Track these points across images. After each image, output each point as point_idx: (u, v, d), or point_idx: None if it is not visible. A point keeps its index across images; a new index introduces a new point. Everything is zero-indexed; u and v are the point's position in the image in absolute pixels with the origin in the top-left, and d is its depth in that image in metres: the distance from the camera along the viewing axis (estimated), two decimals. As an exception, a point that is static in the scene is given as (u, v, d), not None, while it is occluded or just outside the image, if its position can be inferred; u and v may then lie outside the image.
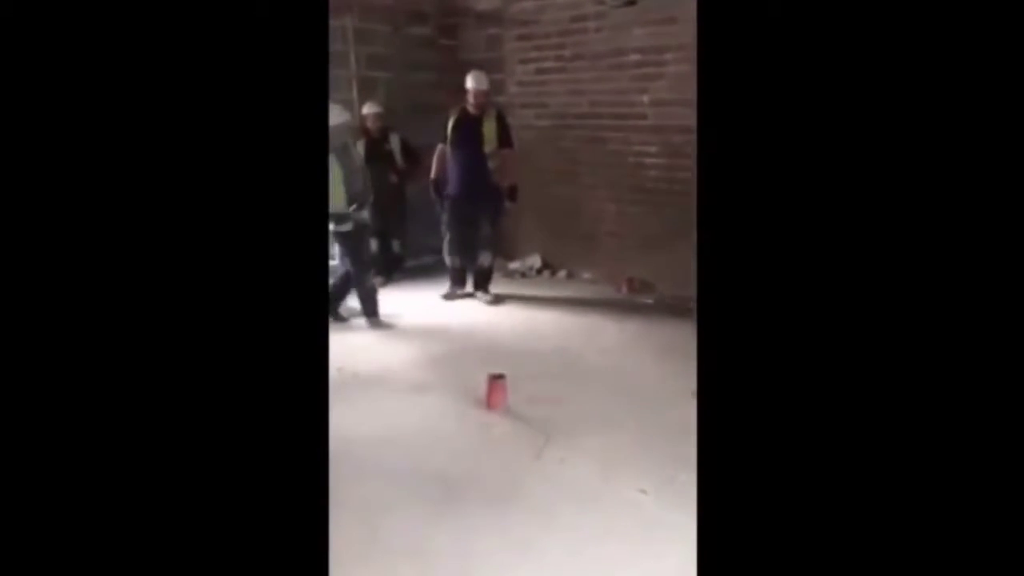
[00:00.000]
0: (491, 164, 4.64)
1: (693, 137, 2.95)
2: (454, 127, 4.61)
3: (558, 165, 5.44)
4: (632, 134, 4.97)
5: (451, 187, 4.73)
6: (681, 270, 4.15)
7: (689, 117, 4.13)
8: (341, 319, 4.48)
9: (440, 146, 4.71)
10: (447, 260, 4.97)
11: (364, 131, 4.93)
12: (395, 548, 2.20)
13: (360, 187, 4.20)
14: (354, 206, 4.16)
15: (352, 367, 3.72)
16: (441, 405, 3.28)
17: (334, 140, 4.03)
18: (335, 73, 4.97)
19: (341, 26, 5.12)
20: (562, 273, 5.67)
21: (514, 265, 5.76)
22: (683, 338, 3.88)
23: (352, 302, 4.66)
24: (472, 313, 4.74)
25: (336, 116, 4.07)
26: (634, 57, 4.82)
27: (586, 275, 5.53)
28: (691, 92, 3.47)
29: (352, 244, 4.24)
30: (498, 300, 4.91)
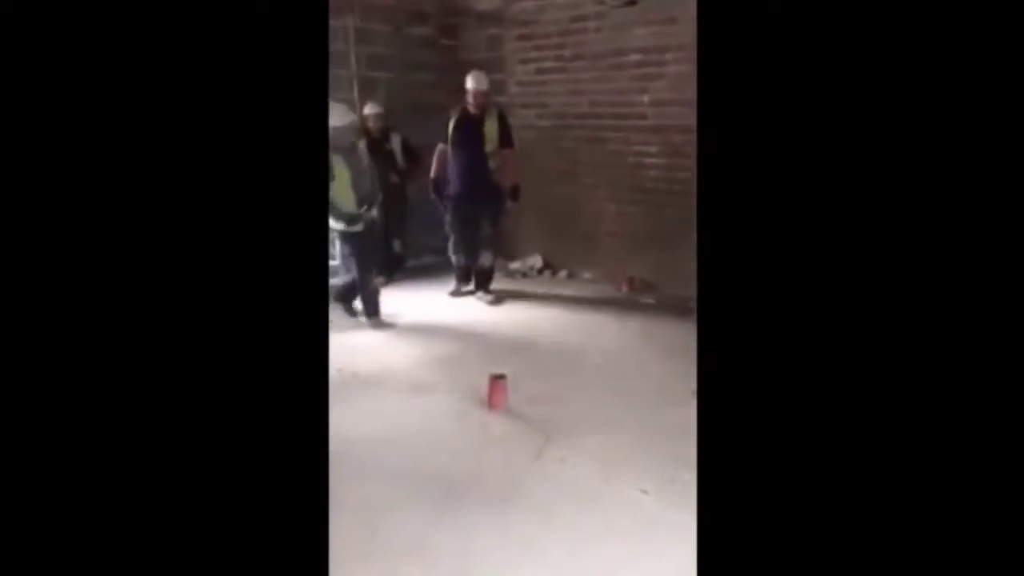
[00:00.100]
0: (492, 164, 4.64)
1: (693, 137, 2.95)
2: (455, 127, 4.61)
3: (558, 165, 5.44)
4: (632, 134, 4.97)
5: (453, 187, 4.74)
6: (682, 270, 4.15)
7: (689, 117, 4.13)
8: (353, 314, 4.48)
9: (440, 146, 4.72)
10: (452, 259, 5.00)
11: (365, 131, 4.94)
12: (396, 548, 2.20)
13: (369, 187, 4.20)
14: (365, 207, 4.17)
15: (352, 367, 3.72)
16: (442, 405, 3.28)
17: (342, 140, 4.03)
18: (336, 73, 4.97)
19: (342, 26, 5.12)
20: (563, 273, 5.67)
21: (515, 265, 5.76)
22: (684, 338, 3.88)
23: (355, 302, 4.66)
24: (473, 313, 4.74)
25: (342, 116, 4.06)
26: (634, 57, 4.82)
27: (587, 275, 5.53)
28: (691, 92, 3.47)
29: (360, 244, 4.24)
30: (499, 300, 4.92)
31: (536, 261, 5.78)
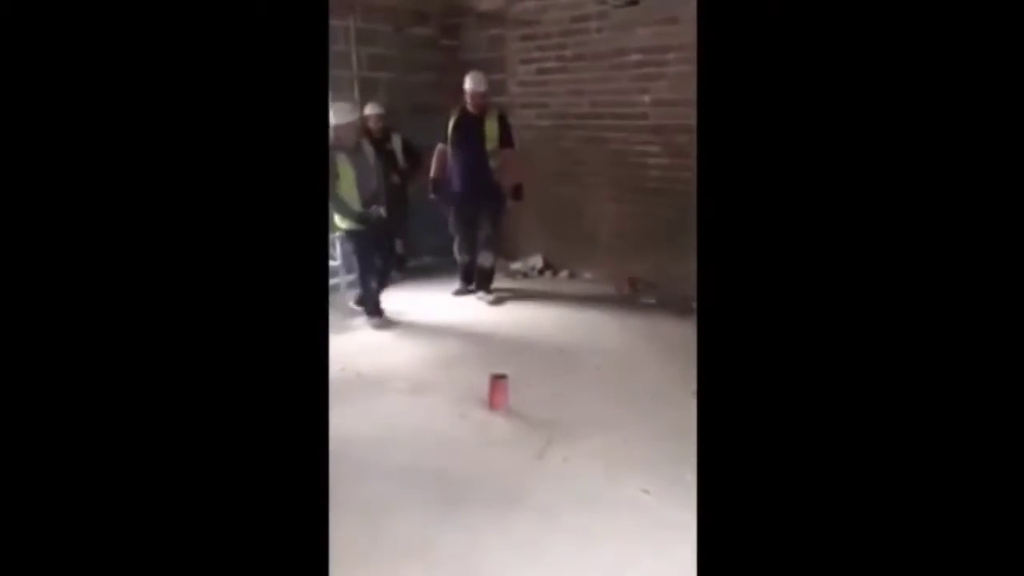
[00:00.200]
0: (492, 163, 4.64)
1: (694, 137, 2.96)
2: (454, 127, 4.62)
3: (559, 165, 5.45)
4: (633, 134, 4.97)
5: (453, 187, 4.74)
6: (683, 270, 4.15)
7: (690, 117, 4.13)
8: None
9: (439, 146, 4.72)
10: (457, 258, 5.02)
11: (366, 131, 4.94)
12: (397, 548, 2.20)
13: (375, 186, 4.20)
14: (374, 207, 4.18)
15: (354, 367, 3.73)
16: (443, 405, 3.28)
17: (348, 140, 4.04)
18: (338, 74, 4.98)
19: (344, 27, 5.12)
20: (564, 273, 5.67)
21: (516, 265, 5.76)
22: (685, 337, 3.89)
23: (354, 302, 4.67)
24: (474, 313, 4.74)
25: (346, 115, 4.07)
26: (635, 57, 4.82)
27: (588, 275, 5.53)
28: (692, 92, 3.46)
29: (365, 243, 4.25)
30: (500, 300, 4.92)
31: (537, 261, 5.78)
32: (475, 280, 5.00)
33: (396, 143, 5.02)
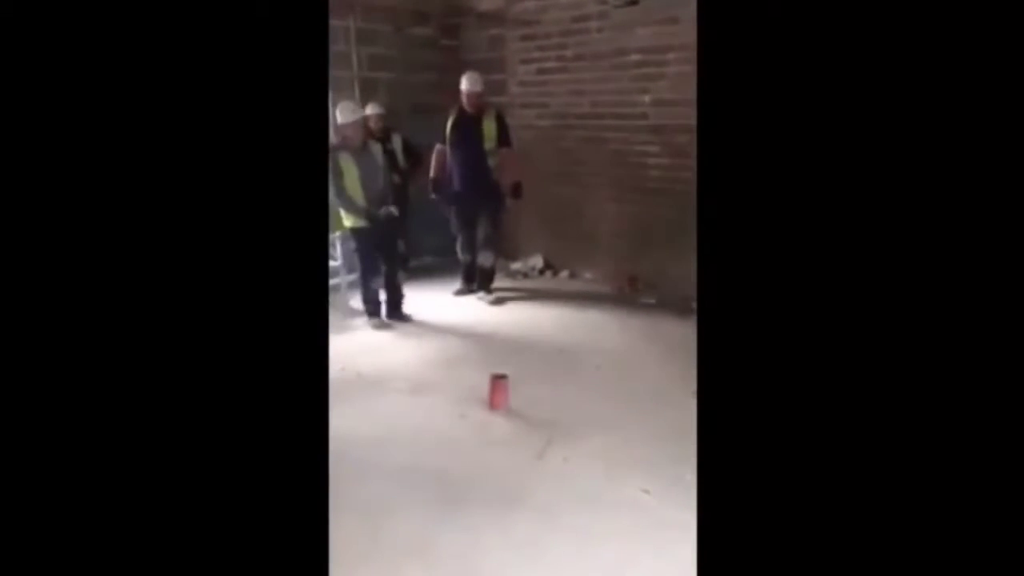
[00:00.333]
0: (491, 163, 4.65)
1: (694, 137, 2.96)
2: (452, 127, 4.63)
3: (559, 165, 5.44)
4: (634, 134, 4.97)
5: (453, 187, 4.75)
6: (683, 270, 4.15)
7: (690, 117, 4.13)
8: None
9: (438, 146, 4.73)
10: (460, 257, 5.03)
11: (366, 131, 4.94)
12: (397, 548, 2.20)
13: (381, 186, 4.21)
14: (384, 207, 4.18)
15: (354, 367, 3.73)
16: (443, 405, 3.28)
17: (354, 139, 4.04)
18: (338, 74, 4.97)
19: (344, 27, 5.12)
20: (564, 273, 5.67)
21: (516, 265, 5.76)
22: (686, 337, 3.89)
23: (355, 302, 4.67)
24: (475, 313, 4.74)
25: (353, 114, 4.07)
26: (636, 57, 4.82)
27: (588, 275, 5.53)
28: (692, 92, 3.46)
29: (368, 243, 4.25)
30: (501, 300, 4.92)
31: (537, 261, 5.78)
32: (476, 280, 5.01)
33: (396, 143, 5.02)
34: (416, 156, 5.03)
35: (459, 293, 5.09)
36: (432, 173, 4.79)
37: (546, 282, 5.56)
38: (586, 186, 5.36)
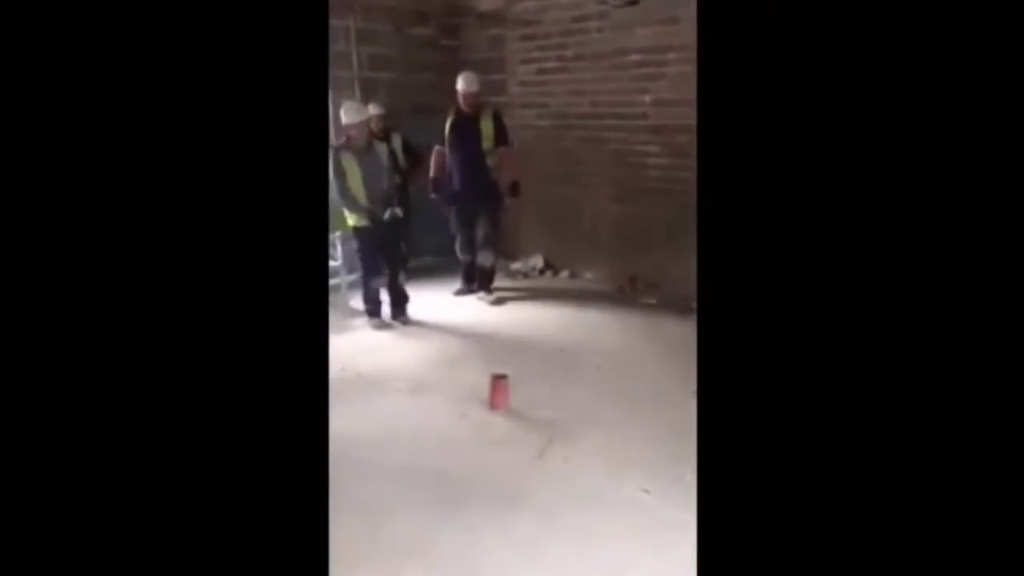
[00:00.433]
0: (489, 162, 4.65)
1: (694, 137, 2.95)
2: (450, 128, 4.64)
3: (559, 165, 5.45)
4: (634, 134, 4.97)
5: (453, 187, 4.75)
6: (683, 270, 4.15)
7: (690, 117, 4.13)
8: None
9: (437, 147, 4.74)
10: (459, 257, 5.04)
11: (370, 132, 4.95)
12: (398, 548, 2.20)
13: (386, 187, 4.21)
14: (390, 209, 4.19)
15: (355, 367, 3.73)
16: (444, 405, 3.28)
17: (359, 139, 4.04)
18: (338, 74, 4.98)
19: (344, 27, 5.13)
20: (564, 273, 5.67)
21: (516, 265, 5.76)
22: (686, 337, 3.89)
23: (355, 302, 4.67)
24: (475, 313, 4.74)
25: (358, 114, 4.07)
26: (636, 57, 4.82)
27: (588, 275, 5.53)
28: (692, 92, 3.46)
29: (370, 243, 4.25)
30: (501, 300, 4.92)
31: (537, 261, 5.78)
32: (477, 280, 5.01)
33: (396, 143, 5.02)
34: (416, 156, 5.03)
35: (459, 293, 5.10)
36: (432, 173, 4.80)
37: (546, 282, 5.56)
38: (586, 186, 5.36)
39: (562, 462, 2.72)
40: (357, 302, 4.64)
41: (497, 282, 5.10)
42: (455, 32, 5.87)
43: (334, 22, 4.97)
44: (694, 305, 4.15)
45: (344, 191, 4.06)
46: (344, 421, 2.89)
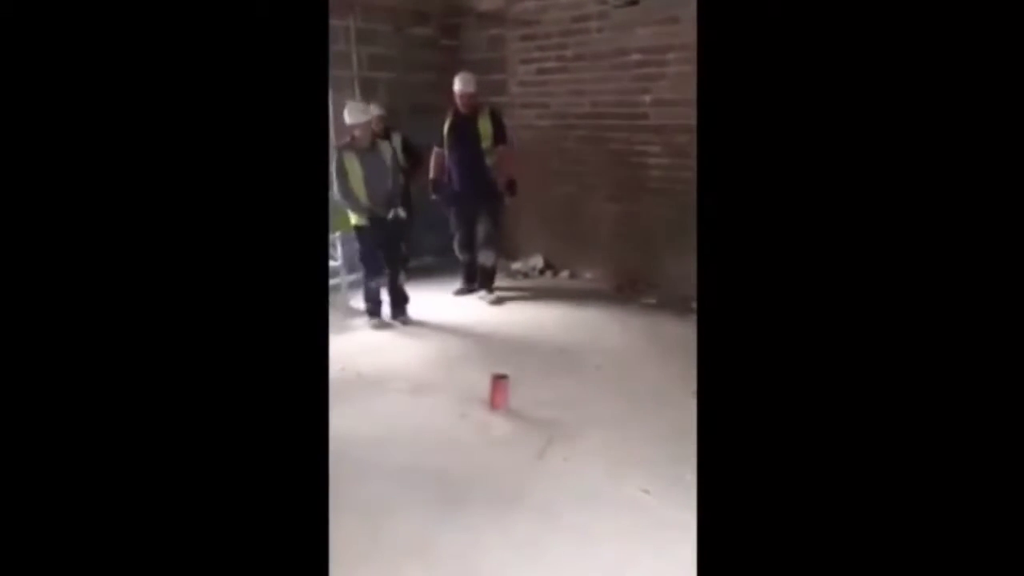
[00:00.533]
0: (488, 161, 4.65)
1: (694, 137, 2.95)
2: (449, 129, 4.65)
3: (560, 165, 5.44)
4: (634, 134, 4.97)
5: (453, 187, 4.76)
6: (683, 270, 4.15)
7: (691, 117, 4.12)
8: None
9: (436, 148, 4.75)
10: (459, 256, 5.04)
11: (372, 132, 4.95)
12: (398, 548, 2.20)
13: (389, 187, 4.21)
14: (393, 210, 4.19)
15: (355, 367, 3.73)
16: (444, 405, 3.28)
17: (363, 139, 4.05)
18: (338, 74, 4.97)
19: (344, 27, 5.13)
20: (564, 273, 5.67)
21: (516, 265, 5.76)
22: (686, 337, 3.88)
23: (355, 302, 4.67)
24: (475, 313, 4.74)
25: (361, 114, 4.08)
26: (636, 57, 4.82)
27: (588, 275, 5.53)
28: (692, 92, 3.46)
29: (371, 243, 4.25)
30: (501, 300, 4.92)
31: (538, 261, 5.78)
32: (477, 280, 5.01)
33: (396, 142, 5.02)
34: (416, 156, 5.03)
35: (459, 293, 5.10)
36: (431, 174, 4.80)
37: (546, 282, 5.56)
38: (586, 186, 5.36)
39: (562, 462, 2.72)
40: (357, 302, 4.64)
41: (497, 282, 5.10)
42: (455, 32, 5.87)
43: (334, 22, 4.97)
44: (694, 305, 4.15)
45: (347, 192, 4.07)
46: (344, 421, 2.89)
